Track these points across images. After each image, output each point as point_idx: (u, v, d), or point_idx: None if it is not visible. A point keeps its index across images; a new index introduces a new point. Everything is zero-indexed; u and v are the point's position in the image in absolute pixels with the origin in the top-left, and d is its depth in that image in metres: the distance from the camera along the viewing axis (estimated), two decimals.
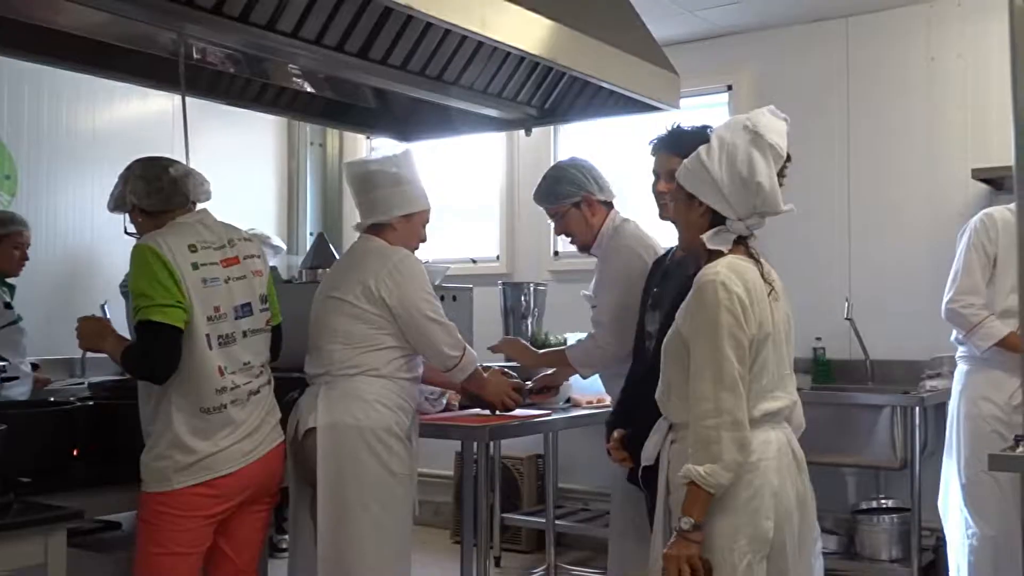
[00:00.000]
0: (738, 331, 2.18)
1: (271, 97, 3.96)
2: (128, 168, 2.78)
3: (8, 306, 4.01)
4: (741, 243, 2.33)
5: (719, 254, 2.30)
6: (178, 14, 2.71)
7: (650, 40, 3.79)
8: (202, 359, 2.55)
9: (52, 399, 3.31)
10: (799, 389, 4.85)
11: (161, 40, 3.08)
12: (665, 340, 2.35)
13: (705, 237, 2.29)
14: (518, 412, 3.59)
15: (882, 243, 5.13)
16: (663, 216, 2.91)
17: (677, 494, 2.22)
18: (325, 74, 3.68)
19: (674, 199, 2.39)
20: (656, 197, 2.98)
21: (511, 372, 3.59)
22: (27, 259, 4.26)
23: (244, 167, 6.43)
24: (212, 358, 2.57)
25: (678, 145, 2.74)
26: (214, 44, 3.17)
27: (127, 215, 2.80)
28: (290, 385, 3.14)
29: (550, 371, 3.74)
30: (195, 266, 2.58)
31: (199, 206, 2.78)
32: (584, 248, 3.49)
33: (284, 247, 5.95)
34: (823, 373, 5.08)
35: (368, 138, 6.49)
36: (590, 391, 4.05)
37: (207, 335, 2.57)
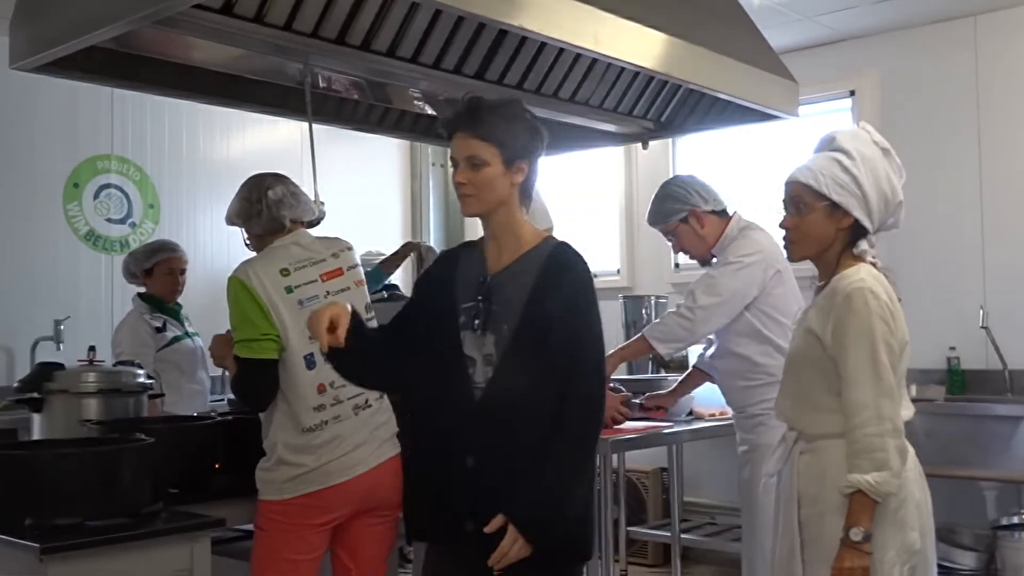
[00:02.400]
0: (890, 338, 2.18)
1: (393, 120, 4.07)
2: (242, 186, 2.86)
3: (160, 330, 4.17)
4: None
5: (846, 265, 2.28)
6: (304, 46, 2.83)
7: (767, 49, 3.76)
8: (299, 381, 2.61)
9: (196, 414, 3.49)
10: (932, 400, 4.74)
11: (288, 71, 3.21)
12: (793, 350, 2.34)
13: (856, 250, 2.29)
14: (633, 425, 3.59)
15: (1019, 248, 4.92)
16: (465, 212, 2.28)
17: (814, 507, 2.21)
18: (445, 96, 3.77)
19: (802, 205, 2.29)
20: (456, 188, 2.27)
21: (620, 387, 3.59)
22: (181, 283, 4.33)
23: (370, 189, 6.64)
24: (311, 378, 2.61)
25: (476, 124, 2.20)
26: (338, 72, 3.29)
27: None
28: None
29: (667, 391, 3.72)
30: (289, 289, 2.63)
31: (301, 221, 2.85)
32: (703, 261, 3.46)
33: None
34: (958, 384, 4.90)
35: None
36: (714, 404, 4.01)
37: (309, 354, 2.60)
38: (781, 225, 2.34)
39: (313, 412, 2.61)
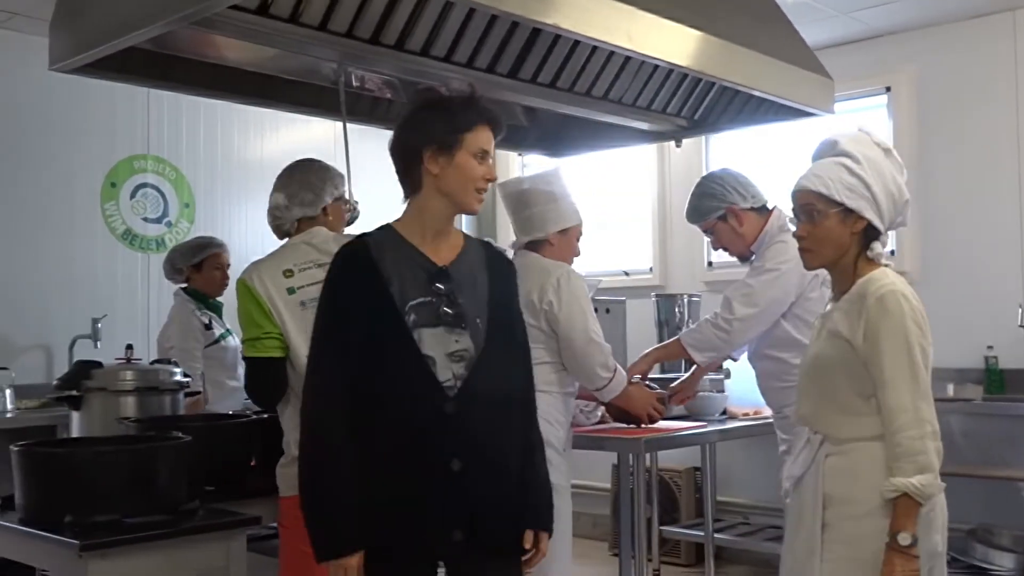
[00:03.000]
0: (923, 341, 2.20)
1: None
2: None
3: (207, 327, 4.21)
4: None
5: (865, 269, 2.29)
6: (338, 46, 2.84)
7: (802, 45, 3.73)
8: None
9: (232, 412, 3.51)
10: (969, 400, 4.68)
11: (323, 71, 3.23)
12: (816, 354, 2.33)
13: (871, 253, 2.29)
14: (667, 424, 3.58)
15: None
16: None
17: (844, 509, 2.21)
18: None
19: (815, 213, 2.28)
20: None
21: (653, 384, 3.58)
22: (228, 279, 4.35)
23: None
24: None
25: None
26: (372, 72, 3.31)
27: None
28: None
29: (683, 378, 3.70)
30: (291, 291, 2.63)
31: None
32: (742, 258, 3.43)
33: None
34: (995, 383, 4.83)
35: (520, 155, 6.60)
36: (747, 403, 3.99)
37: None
38: (795, 235, 2.34)
39: None
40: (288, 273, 2.64)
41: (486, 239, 2.31)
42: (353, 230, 2.92)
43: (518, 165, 6.81)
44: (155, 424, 2.81)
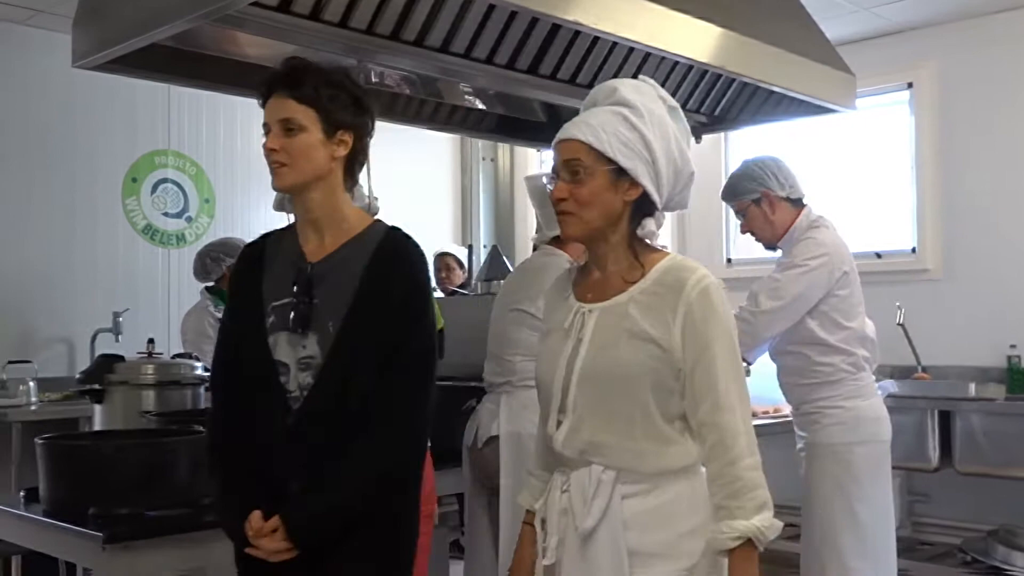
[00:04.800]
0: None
1: (444, 115, 4.08)
2: None
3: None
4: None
5: (650, 253, 1.84)
6: (359, 42, 2.85)
7: (823, 41, 3.70)
8: None
9: None
10: (991, 400, 4.65)
11: (342, 67, 3.24)
12: (607, 360, 1.76)
13: (654, 228, 1.84)
14: None
15: None
16: (277, 185, 2.02)
17: (653, 568, 1.73)
18: (496, 91, 3.77)
19: (580, 170, 1.78)
20: (267, 157, 2.01)
21: None
22: None
23: (421, 183, 6.67)
24: None
25: (296, 84, 1.97)
26: (391, 68, 3.31)
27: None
28: (467, 394, 3.24)
29: None
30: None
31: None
32: (768, 246, 3.42)
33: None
34: (1018, 382, 4.79)
35: (539, 151, 6.60)
36: (767, 401, 3.97)
37: None
38: (552, 196, 1.83)
39: None
40: None
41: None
42: None
43: (537, 161, 6.81)
44: (176, 418, 2.84)
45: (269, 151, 1.95)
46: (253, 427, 1.95)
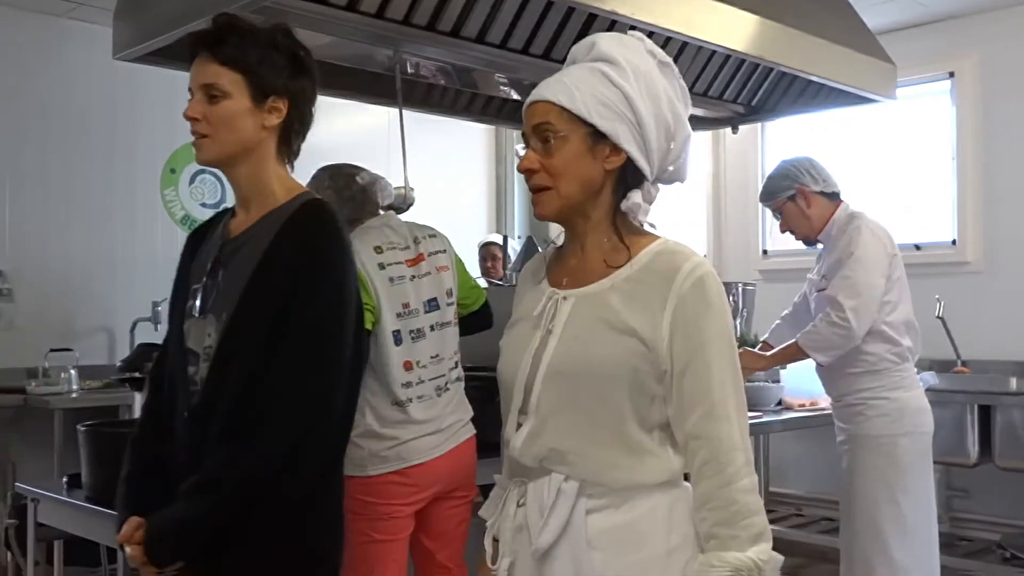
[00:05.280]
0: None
1: (480, 106, 4.08)
2: (315, 178, 2.92)
3: None
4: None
5: (636, 235, 1.57)
6: (395, 33, 2.85)
7: (863, 29, 3.66)
8: (389, 354, 2.63)
9: None
10: None
11: (378, 58, 3.25)
12: (582, 358, 1.50)
13: (627, 203, 1.55)
14: None
15: None
16: (200, 159, 1.83)
17: None
18: (531, 81, 3.76)
19: (551, 135, 1.52)
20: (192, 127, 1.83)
21: None
22: None
23: (456, 174, 6.68)
24: (399, 353, 2.64)
25: (220, 45, 1.77)
26: (427, 59, 3.32)
27: None
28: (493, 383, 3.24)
29: None
30: (381, 266, 2.68)
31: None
32: (807, 241, 3.41)
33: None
34: None
35: None
36: (803, 394, 3.95)
37: (396, 331, 2.65)
38: (520, 168, 1.57)
39: (403, 388, 2.65)
40: (378, 249, 2.71)
41: (319, 199, 1.83)
42: (408, 216, 2.94)
43: None
44: None
45: (189, 120, 1.75)
46: (169, 423, 1.80)
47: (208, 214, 5.69)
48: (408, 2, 2.80)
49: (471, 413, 2.82)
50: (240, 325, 1.70)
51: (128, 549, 1.70)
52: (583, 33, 3.25)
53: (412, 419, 2.65)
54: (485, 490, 3.09)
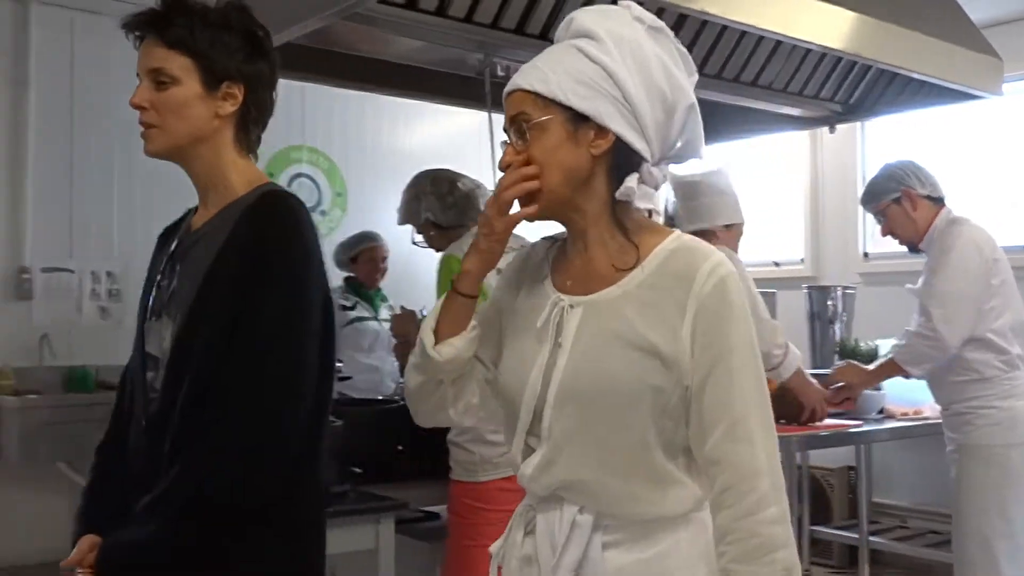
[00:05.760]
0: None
1: None
2: (415, 183, 2.93)
3: (345, 308, 4.50)
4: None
5: (643, 227, 1.41)
6: (484, 36, 2.86)
7: (967, 23, 3.53)
8: None
9: (380, 397, 3.61)
10: None
11: (468, 62, 3.26)
12: (598, 379, 1.35)
13: (634, 186, 1.37)
14: (828, 422, 3.47)
15: None
16: (147, 150, 1.68)
17: None
18: None
19: (527, 127, 1.37)
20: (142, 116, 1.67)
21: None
22: (383, 270, 4.77)
23: None
24: None
25: (167, 26, 1.60)
26: (517, 62, 3.32)
27: (415, 227, 3.00)
28: None
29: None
30: (497, 270, 2.70)
31: None
32: (911, 246, 3.32)
33: None
34: None
35: None
36: (907, 402, 3.83)
37: None
38: (500, 165, 1.41)
39: None
40: None
41: (280, 189, 1.69)
42: None
43: None
44: None
45: (135, 107, 1.60)
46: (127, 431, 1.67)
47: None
48: (497, 6, 2.80)
49: None
50: (192, 327, 1.55)
51: (79, 572, 1.56)
52: (674, 33, 3.21)
53: None
54: None
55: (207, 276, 1.56)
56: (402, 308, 3.30)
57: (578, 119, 1.35)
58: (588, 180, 1.37)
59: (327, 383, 1.62)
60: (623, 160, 1.37)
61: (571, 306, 1.39)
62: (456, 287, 1.46)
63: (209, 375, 1.50)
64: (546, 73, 1.36)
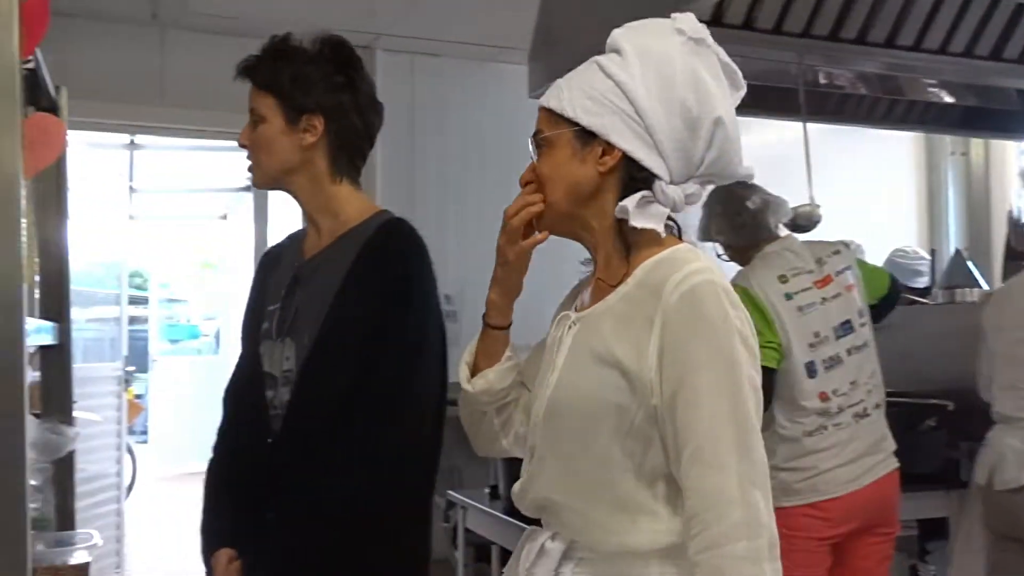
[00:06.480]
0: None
1: (901, 112, 3.86)
2: (708, 202, 2.85)
3: None
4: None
5: (647, 242, 1.31)
6: (796, 46, 2.79)
7: None
8: (802, 389, 2.55)
9: None
10: None
11: (782, 72, 3.19)
12: (572, 396, 1.30)
13: (628, 205, 1.28)
14: None
15: None
16: (253, 183, 1.81)
17: None
18: (963, 82, 3.51)
19: (543, 143, 1.35)
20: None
21: None
22: None
23: (875, 185, 6.29)
24: (814, 385, 2.55)
25: (260, 70, 1.73)
26: (837, 68, 3.20)
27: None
28: (924, 412, 3.01)
29: None
30: (788, 296, 2.59)
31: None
32: None
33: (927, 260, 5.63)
34: None
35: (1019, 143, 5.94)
36: None
37: (810, 362, 2.56)
38: (521, 182, 1.40)
39: (817, 417, 2.55)
40: (783, 279, 2.64)
41: (398, 218, 1.74)
42: (813, 235, 2.84)
43: (1015, 154, 6.13)
44: None
45: (240, 147, 1.76)
46: (245, 446, 1.75)
47: None
48: (808, 13, 2.72)
49: (894, 445, 2.65)
50: (326, 349, 1.65)
51: None
52: (1012, 23, 2.94)
53: (824, 449, 2.55)
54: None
55: (336, 302, 1.65)
56: None
57: (586, 135, 1.31)
58: (596, 197, 1.33)
59: (444, 402, 1.70)
60: (636, 178, 1.30)
61: (573, 322, 1.35)
62: (485, 319, 1.46)
63: (350, 391, 1.60)
64: (562, 89, 1.35)
